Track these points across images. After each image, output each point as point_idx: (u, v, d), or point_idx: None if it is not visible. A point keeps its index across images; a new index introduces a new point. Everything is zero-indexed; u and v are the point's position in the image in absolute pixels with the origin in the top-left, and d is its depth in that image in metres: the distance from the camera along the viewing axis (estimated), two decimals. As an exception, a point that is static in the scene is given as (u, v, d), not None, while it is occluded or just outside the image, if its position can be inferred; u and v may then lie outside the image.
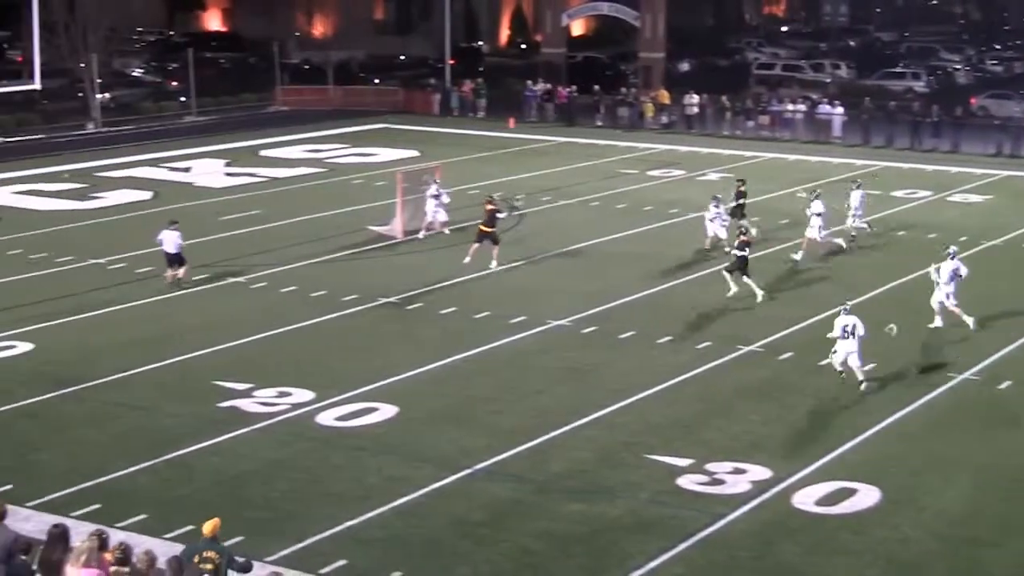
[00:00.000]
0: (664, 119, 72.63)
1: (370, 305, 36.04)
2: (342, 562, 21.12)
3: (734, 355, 31.99)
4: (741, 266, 36.96)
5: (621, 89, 77.53)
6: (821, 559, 21.70)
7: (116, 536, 19.38)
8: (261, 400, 28.48)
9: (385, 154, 62.05)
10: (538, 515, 23.16)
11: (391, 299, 36.51)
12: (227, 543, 20.16)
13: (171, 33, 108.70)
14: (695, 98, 72.20)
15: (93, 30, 71.75)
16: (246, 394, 28.80)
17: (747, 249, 37.04)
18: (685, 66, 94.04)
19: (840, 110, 68.66)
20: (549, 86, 76.87)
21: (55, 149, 63.40)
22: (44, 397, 28.59)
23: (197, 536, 18.70)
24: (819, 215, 41.74)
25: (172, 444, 25.96)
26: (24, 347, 32.06)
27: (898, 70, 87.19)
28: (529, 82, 77.50)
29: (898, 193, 52.97)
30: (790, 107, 71.03)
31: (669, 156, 62.11)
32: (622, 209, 49.06)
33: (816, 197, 42.24)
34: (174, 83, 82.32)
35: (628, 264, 40.75)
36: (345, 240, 43.49)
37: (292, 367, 30.77)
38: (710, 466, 25.15)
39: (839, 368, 30.07)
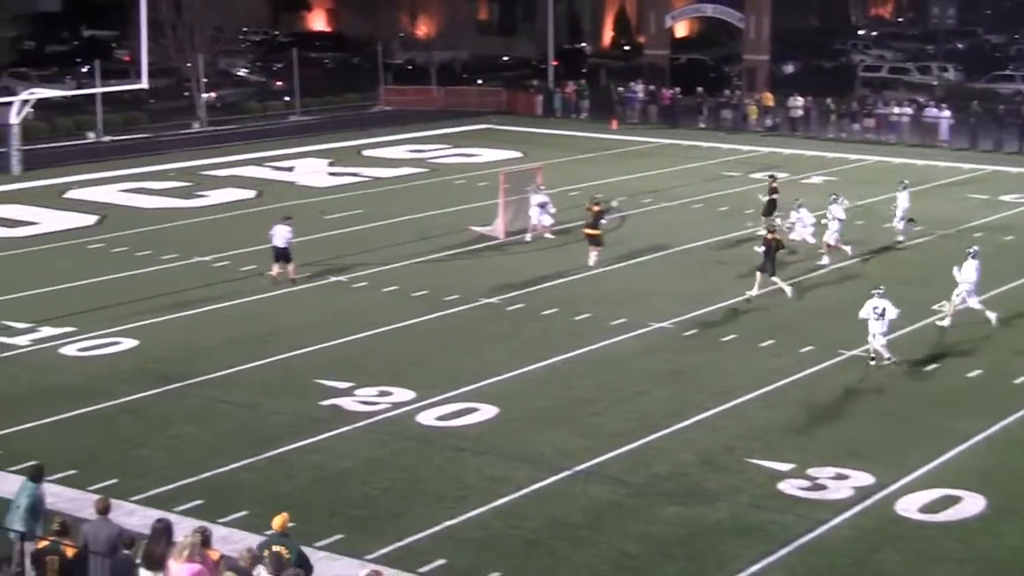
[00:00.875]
0: (768, 121, 72.20)
1: (471, 305, 36.13)
2: (441, 561, 21.17)
3: (837, 359, 31.74)
4: (770, 265, 36.92)
5: (725, 91, 77.28)
6: (924, 567, 21.47)
7: (219, 532, 19.56)
8: (362, 399, 28.63)
9: (488, 155, 62.20)
10: (637, 518, 23.10)
11: (492, 300, 36.58)
12: (327, 540, 20.41)
13: (276, 33, 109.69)
14: (799, 100, 71.63)
15: (199, 30, 72.47)
16: (347, 393, 28.96)
17: (773, 247, 36.96)
18: (790, 68, 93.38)
19: (947, 113, 67.85)
20: (652, 87, 76.70)
21: (161, 148, 64.11)
22: (147, 393, 28.90)
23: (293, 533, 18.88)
24: (839, 220, 41.32)
25: (273, 441, 26.16)
26: (129, 343, 32.44)
27: (1007, 72, 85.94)
28: (632, 83, 77.33)
29: (1006, 197, 52.32)
30: (896, 110, 70.21)
31: (772, 159, 61.71)
32: (724, 212, 48.81)
33: (834, 201, 41.82)
34: (279, 83, 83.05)
35: (730, 267, 40.54)
36: (447, 240, 43.63)
37: (393, 366, 30.90)
38: (812, 471, 24.96)
39: (882, 352, 31.13)
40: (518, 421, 27.57)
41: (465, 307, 35.98)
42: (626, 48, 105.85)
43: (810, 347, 32.51)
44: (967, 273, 34.28)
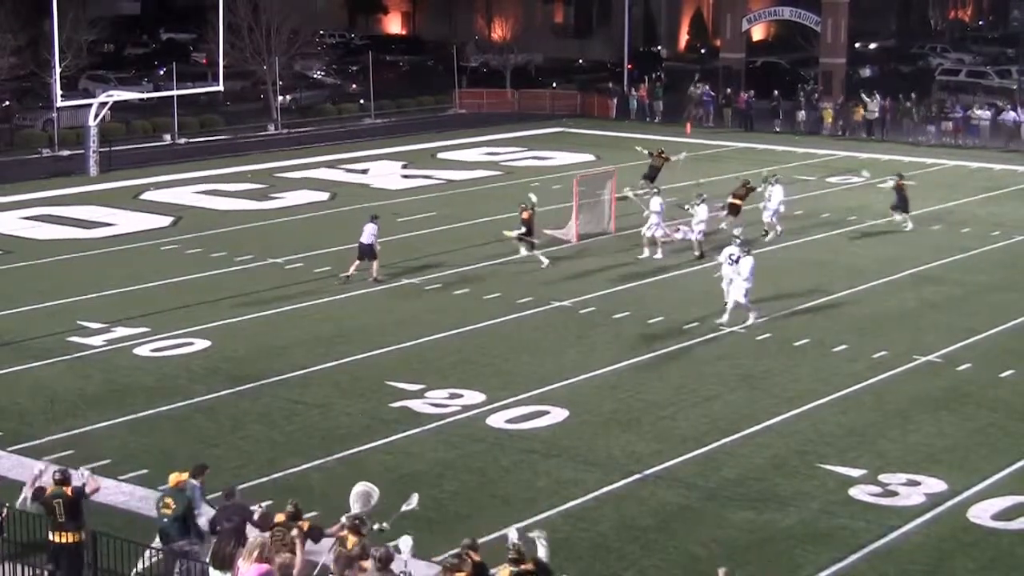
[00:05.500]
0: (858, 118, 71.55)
1: (543, 308, 36.14)
2: (509, 564, 21.14)
3: (911, 365, 31.53)
4: (525, 236, 40.36)
5: (800, 95, 76.85)
6: (997, 575, 21.31)
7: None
8: (432, 401, 28.71)
9: (561, 157, 62.22)
10: (707, 522, 23.05)
11: (564, 302, 36.58)
12: (395, 542, 20.40)
13: (352, 36, 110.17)
14: (876, 100, 70.84)
15: (276, 33, 72.91)
16: (418, 395, 29.04)
17: (524, 227, 40.18)
18: (867, 72, 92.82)
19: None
20: (728, 89, 76.46)
21: (237, 150, 64.52)
22: (220, 393, 29.11)
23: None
24: (657, 213, 42.15)
25: (344, 442, 26.29)
26: (202, 344, 32.67)
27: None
28: (707, 86, 76.98)
29: (1086, 202, 51.87)
30: (977, 112, 69.32)
31: (848, 163, 61.26)
32: (799, 216, 48.52)
33: (656, 194, 43.26)
34: (354, 85, 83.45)
35: (804, 271, 40.38)
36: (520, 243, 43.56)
37: (464, 369, 31.00)
38: (884, 477, 24.82)
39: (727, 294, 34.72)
40: (588, 424, 27.56)
41: (537, 310, 36.00)
42: (702, 51, 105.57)
43: (884, 352, 32.31)
44: (744, 270, 34.42)
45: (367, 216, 40.07)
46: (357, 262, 38.34)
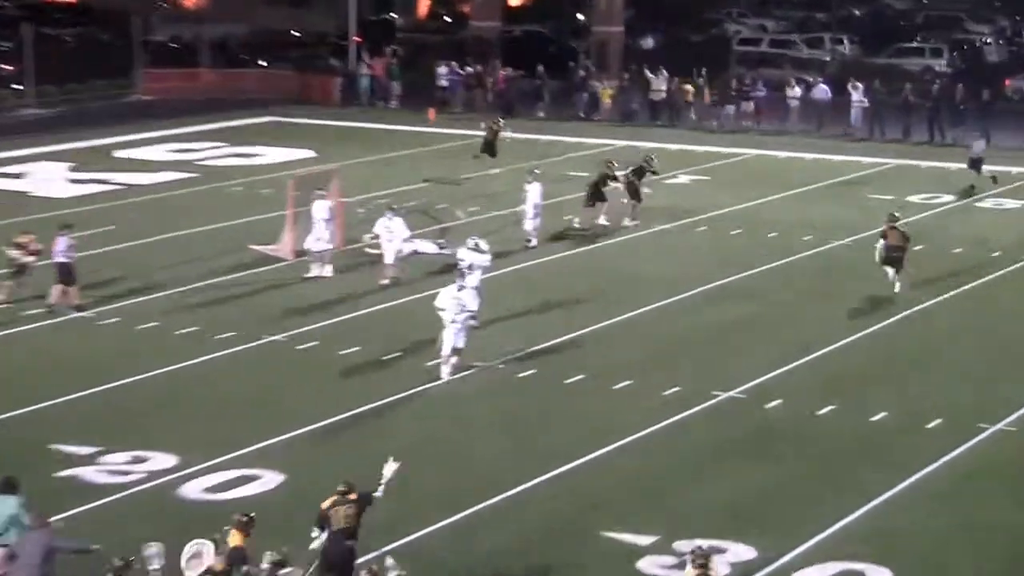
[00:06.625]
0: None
1: (251, 344, 35.94)
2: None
3: (709, 403, 31.96)
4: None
5: (572, 71, 77.50)
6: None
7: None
8: (109, 467, 28.29)
9: (273, 155, 62.08)
10: (460, 609, 22.99)
11: (277, 336, 36.39)
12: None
13: (3, 4, 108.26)
14: (664, 76, 71.54)
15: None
16: (91, 460, 28.59)
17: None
18: (649, 42, 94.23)
19: (859, 95, 67.65)
20: (478, 67, 76.70)
21: None
22: None
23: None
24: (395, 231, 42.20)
25: (-6, 524, 25.59)
26: None
27: (914, 45, 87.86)
28: (449, 64, 76.96)
29: (915, 198, 53.15)
30: (790, 93, 70.23)
31: (629, 154, 61.76)
32: (568, 221, 48.82)
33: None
34: (7, 67, 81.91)
35: (575, 290, 40.61)
36: (221, 263, 43.32)
37: (150, 424, 30.62)
38: (679, 544, 24.97)
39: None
40: (309, 491, 27.10)
41: (243, 347, 35.75)
42: (446, 19, 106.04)
43: (676, 388, 32.64)
44: (469, 299, 34.51)
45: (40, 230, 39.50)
46: (62, 288, 38.01)
